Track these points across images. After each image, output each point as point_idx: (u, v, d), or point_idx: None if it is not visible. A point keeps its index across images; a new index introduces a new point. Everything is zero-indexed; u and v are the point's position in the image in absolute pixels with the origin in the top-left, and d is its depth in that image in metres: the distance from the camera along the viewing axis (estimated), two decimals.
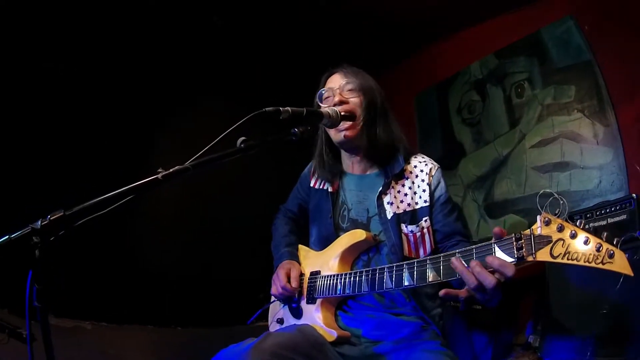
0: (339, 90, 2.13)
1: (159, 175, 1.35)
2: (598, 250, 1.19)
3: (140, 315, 3.89)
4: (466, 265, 1.48)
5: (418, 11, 4.49)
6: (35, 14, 3.46)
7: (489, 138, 4.54)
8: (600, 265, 1.18)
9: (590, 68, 3.72)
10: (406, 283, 1.70)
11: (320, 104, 2.14)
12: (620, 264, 1.16)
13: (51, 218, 1.14)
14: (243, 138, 1.54)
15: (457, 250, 1.56)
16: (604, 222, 2.99)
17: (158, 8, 3.93)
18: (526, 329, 3.43)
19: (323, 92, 2.17)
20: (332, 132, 2.15)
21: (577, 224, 1.28)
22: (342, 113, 2.02)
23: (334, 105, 2.06)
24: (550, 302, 2.98)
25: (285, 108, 1.67)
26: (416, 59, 5.18)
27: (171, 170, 1.37)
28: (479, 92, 4.69)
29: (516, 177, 4.23)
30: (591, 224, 3.03)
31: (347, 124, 2.06)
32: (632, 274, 1.16)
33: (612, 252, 1.17)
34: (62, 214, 1.16)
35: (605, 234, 1.21)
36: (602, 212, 3.03)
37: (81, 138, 3.73)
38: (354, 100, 2.12)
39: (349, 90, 2.14)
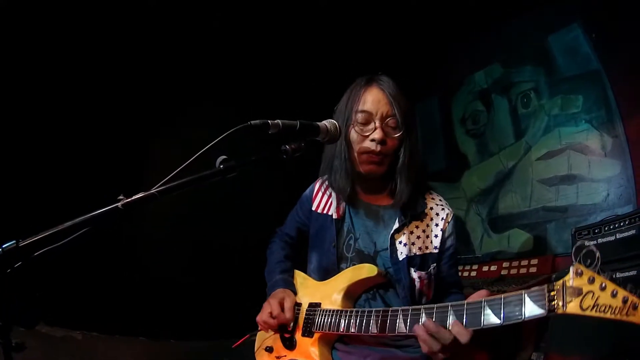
0: (380, 122, 1.91)
1: (119, 204, 1.19)
2: (624, 302, 1.21)
3: (133, 326, 3.80)
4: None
5: (420, 17, 4.41)
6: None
7: (494, 150, 4.45)
8: (624, 317, 1.21)
9: (599, 77, 3.61)
10: None
11: (350, 123, 1.96)
12: None
13: (4, 249, 1.07)
14: (223, 157, 1.37)
15: (483, 299, 1.45)
16: (612, 238, 2.90)
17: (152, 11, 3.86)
18: (529, 346, 3.32)
19: (359, 112, 1.95)
20: (354, 154, 1.97)
21: (606, 275, 1.28)
22: (378, 150, 1.88)
23: (372, 140, 1.89)
24: (554, 319, 2.87)
25: (275, 121, 1.46)
26: (418, 66, 5.05)
27: (134, 197, 1.21)
28: (484, 102, 4.59)
29: (522, 191, 4.13)
30: (599, 240, 2.95)
31: (376, 157, 1.92)
32: None
33: (636, 304, 1.19)
34: (14, 245, 1.08)
35: (629, 285, 1.23)
36: (610, 227, 2.94)
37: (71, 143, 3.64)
38: (395, 139, 1.94)
39: (393, 127, 1.93)
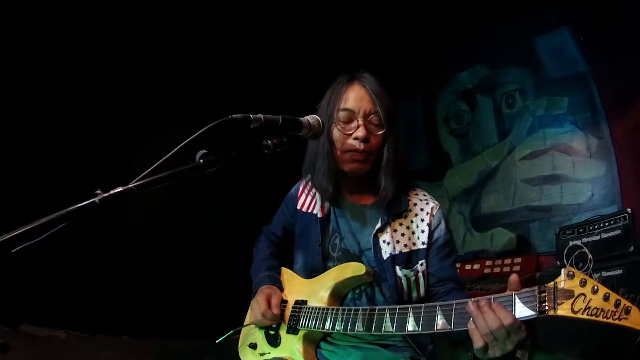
0: (363, 120, 1.85)
1: (96, 199, 1.13)
2: (616, 306, 1.21)
3: (116, 325, 3.74)
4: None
5: (408, 17, 4.42)
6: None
7: (478, 149, 4.48)
8: (617, 322, 1.20)
9: (585, 79, 3.66)
10: (410, 329, 1.54)
11: (333, 121, 1.90)
12: (635, 320, 1.18)
13: None
14: (203, 152, 1.32)
15: (470, 300, 1.42)
16: (597, 238, 2.95)
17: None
18: None
19: (341, 111, 1.88)
20: (338, 153, 1.91)
21: (598, 278, 1.28)
22: (362, 149, 1.83)
23: (356, 138, 1.84)
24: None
25: (257, 115, 1.41)
26: (402, 65, 4.97)
27: (111, 192, 1.16)
28: (468, 102, 4.62)
29: (505, 190, 4.17)
30: (583, 239, 3.00)
31: (360, 156, 1.87)
32: None
33: (629, 308, 1.19)
34: None
35: (622, 289, 1.24)
36: (595, 226, 2.99)
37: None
38: (378, 136, 1.88)
39: (376, 124, 1.87)
